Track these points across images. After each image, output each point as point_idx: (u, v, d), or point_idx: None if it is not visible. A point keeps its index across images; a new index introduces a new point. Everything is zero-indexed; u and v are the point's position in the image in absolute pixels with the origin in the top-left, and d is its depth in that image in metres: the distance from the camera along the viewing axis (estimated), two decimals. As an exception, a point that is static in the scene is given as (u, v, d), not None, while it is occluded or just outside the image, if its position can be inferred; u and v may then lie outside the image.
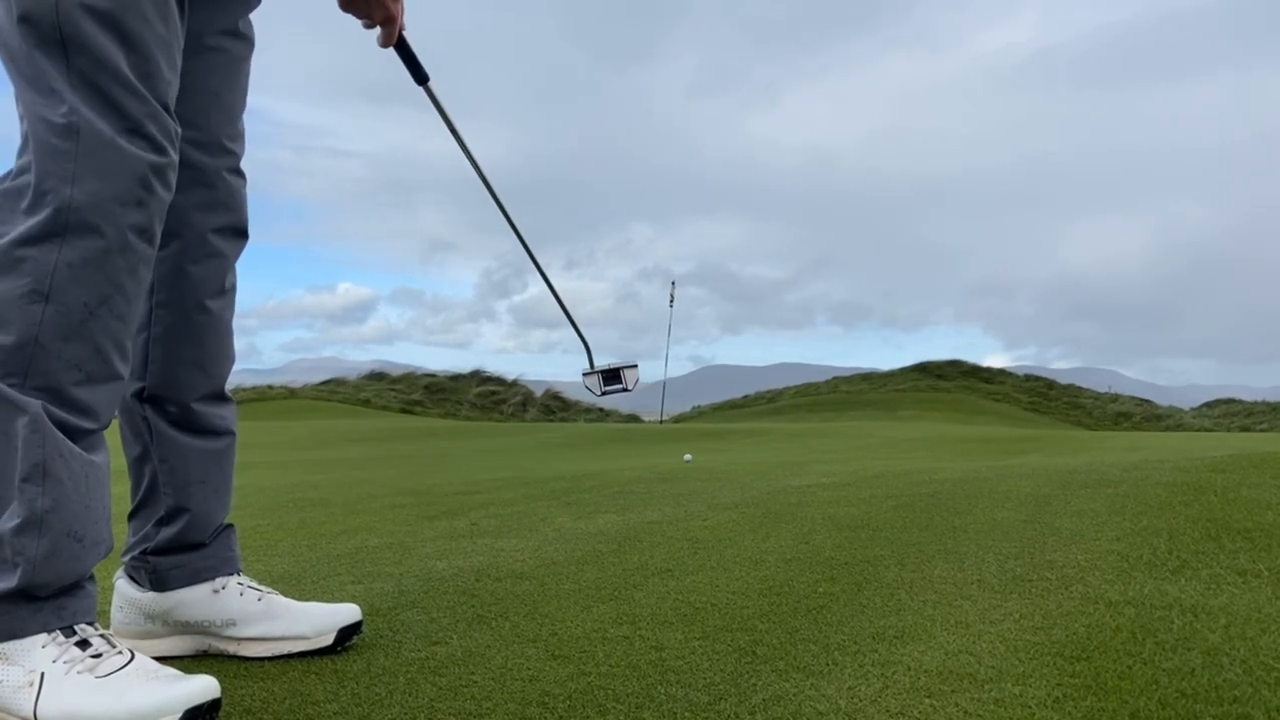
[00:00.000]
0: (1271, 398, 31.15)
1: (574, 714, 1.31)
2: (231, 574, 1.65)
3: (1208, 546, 2.13)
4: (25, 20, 1.29)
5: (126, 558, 1.64)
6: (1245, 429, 23.90)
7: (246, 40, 1.66)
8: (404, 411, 22.40)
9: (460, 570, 2.25)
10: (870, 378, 32.38)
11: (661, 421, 21.60)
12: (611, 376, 1.86)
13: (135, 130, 1.33)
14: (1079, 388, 31.94)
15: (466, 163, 1.87)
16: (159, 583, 1.61)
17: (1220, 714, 1.21)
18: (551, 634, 1.68)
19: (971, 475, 3.80)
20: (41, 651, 1.27)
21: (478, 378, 26.50)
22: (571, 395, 27.56)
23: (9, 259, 1.29)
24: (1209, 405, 31.65)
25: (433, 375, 26.75)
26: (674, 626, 1.71)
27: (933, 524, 2.64)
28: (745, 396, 31.74)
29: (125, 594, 1.63)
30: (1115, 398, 30.91)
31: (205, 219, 1.59)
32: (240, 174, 1.65)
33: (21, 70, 1.33)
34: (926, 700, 1.30)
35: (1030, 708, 1.26)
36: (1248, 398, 32.67)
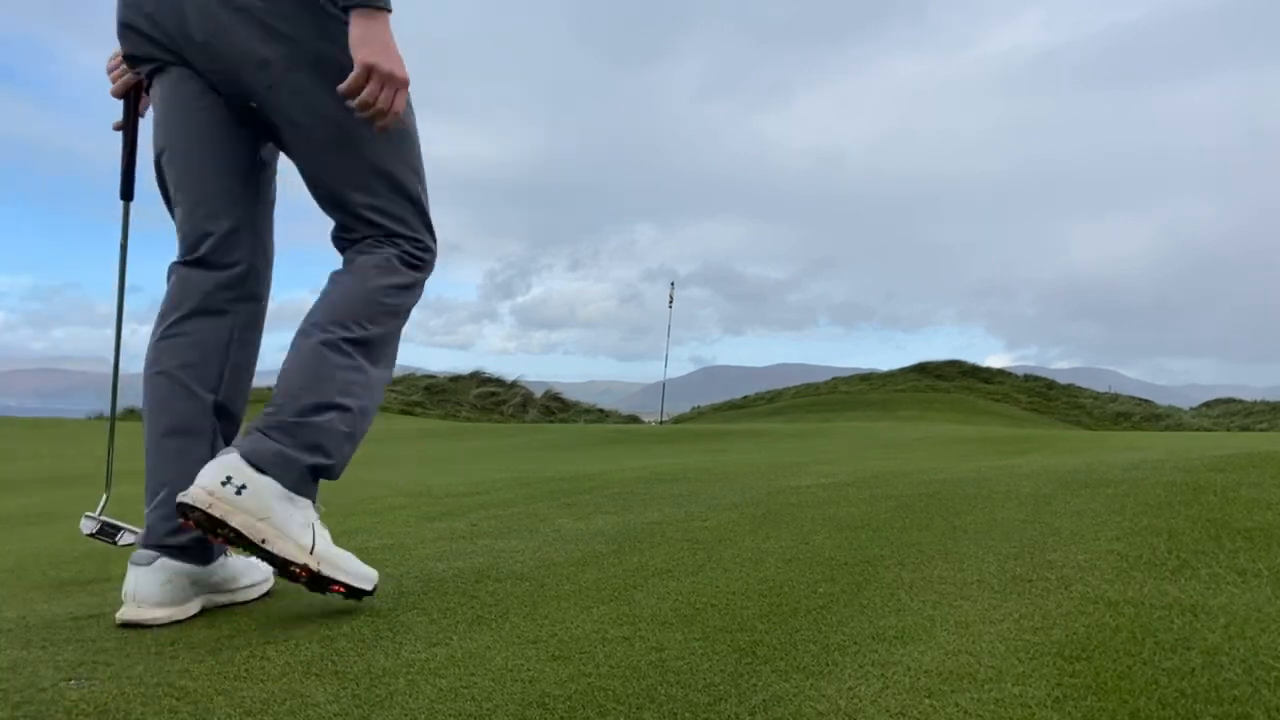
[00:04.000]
0: (1271, 397, 31.14)
1: (574, 715, 1.31)
2: None
3: (1207, 546, 2.13)
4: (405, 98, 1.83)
5: (178, 540, 1.83)
6: (1245, 429, 23.89)
7: None
8: (403, 413, 22.38)
9: (460, 571, 2.25)
10: (870, 378, 32.32)
11: (661, 422, 21.59)
12: (110, 531, 1.99)
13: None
14: (1079, 388, 31.91)
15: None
16: (206, 557, 1.88)
17: (1220, 714, 1.21)
18: (551, 635, 1.68)
19: (971, 475, 3.79)
20: (311, 509, 1.77)
21: (477, 379, 26.47)
22: (571, 396, 27.56)
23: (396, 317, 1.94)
24: (1208, 405, 31.64)
25: (432, 376, 26.71)
26: (674, 627, 1.71)
27: (933, 524, 2.64)
28: (745, 397, 31.72)
29: (173, 568, 1.83)
30: (1115, 397, 30.90)
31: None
32: None
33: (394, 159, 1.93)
34: (926, 700, 1.30)
35: (1030, 708, 1.26)
36: (1247, 397, 32.66)
